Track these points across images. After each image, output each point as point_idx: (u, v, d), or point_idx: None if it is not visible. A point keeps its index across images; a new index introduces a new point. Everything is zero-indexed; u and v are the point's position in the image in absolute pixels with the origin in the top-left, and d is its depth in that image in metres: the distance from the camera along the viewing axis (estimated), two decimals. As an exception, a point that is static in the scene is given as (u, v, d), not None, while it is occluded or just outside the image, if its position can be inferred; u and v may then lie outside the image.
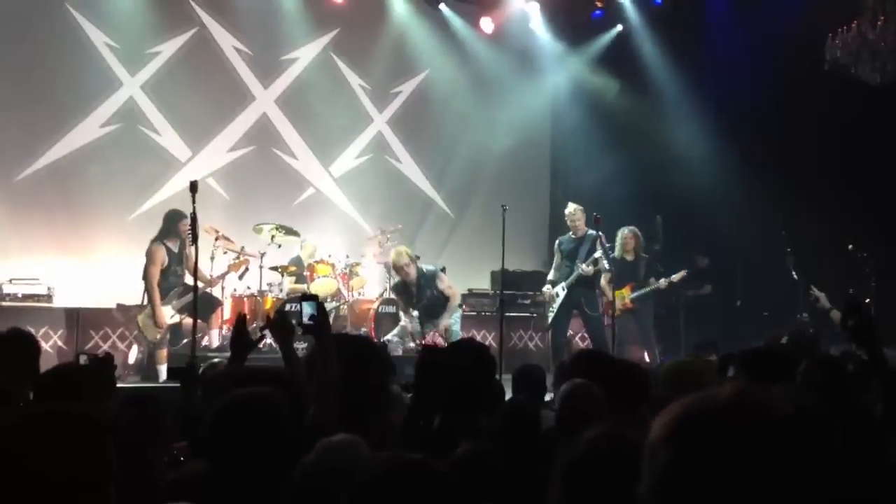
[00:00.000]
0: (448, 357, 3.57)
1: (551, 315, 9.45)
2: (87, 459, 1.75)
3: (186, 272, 8.65)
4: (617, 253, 9.36)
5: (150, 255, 8.49)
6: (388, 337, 9.14)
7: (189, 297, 8.14)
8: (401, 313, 9.49)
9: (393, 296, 9.71)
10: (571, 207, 9.52)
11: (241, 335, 3.79)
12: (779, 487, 1.17)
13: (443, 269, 9.41)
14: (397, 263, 9.07)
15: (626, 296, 9.41)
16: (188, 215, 8.26)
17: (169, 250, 8.54)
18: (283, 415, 2.54)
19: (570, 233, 9.46)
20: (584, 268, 9.13)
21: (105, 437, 1.80)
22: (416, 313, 9.16)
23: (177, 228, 8.50)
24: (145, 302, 8.55)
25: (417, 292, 9.08)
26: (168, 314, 8.51)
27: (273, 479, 2.42)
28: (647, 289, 9.44)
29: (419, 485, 1.87)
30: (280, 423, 2.51)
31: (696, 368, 4.22)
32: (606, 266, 9.09)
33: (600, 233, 8.98)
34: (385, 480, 1.90)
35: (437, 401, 3.27)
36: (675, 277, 9.43)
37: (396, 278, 9.37)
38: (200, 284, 8.43)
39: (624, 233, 9.50)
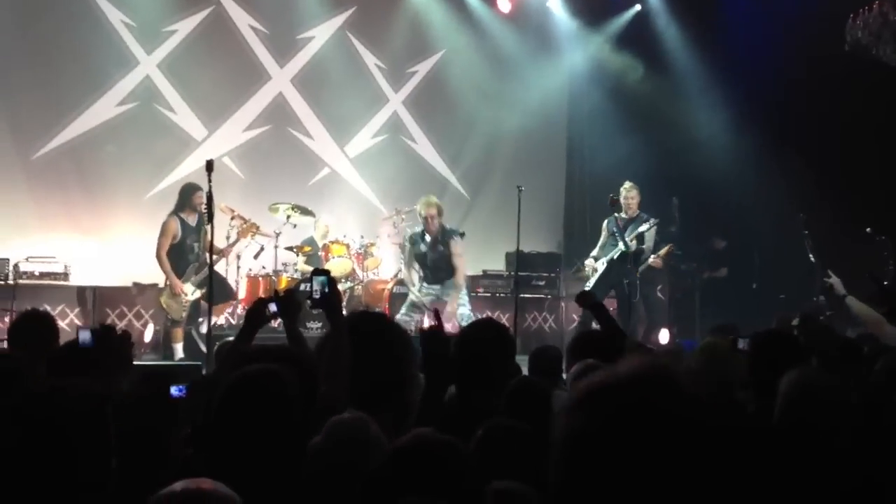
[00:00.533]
0: (469, 334, 3.57)
1: (587, 289, 9.02)
2: (85, 433, 1.76)
3: (203, 248, 8.62)
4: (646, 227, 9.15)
5: (162, 227, 8.59)
6: (398, 317, 9.04)
7: (204, 273, 8.34)
8: (409, 286, 9.26)
9: (402, 253, 9.51)
10: (628, 185, 9.35)
11: (258, 308, 3.80)
12: (674, 463, 1.14)
13: (462, 234, 9.19)
14: (426, 212, 8.87)
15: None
16: (202, 188, 8.40)
17: (183, 223, 8.57)
18: (291, 392, 2.53)
19: (621, 212, 9.24)
20: (629, 242, 8.92)
21: (105, 412, 1.80)
22: (419, 274, 9.11)
23: (191, 201, 8.56)
24: (163, 284, 8.62)
25: (431, 245, 8.91)
26: (189, 290, 8.55)
27: (282, 458, 2.41)
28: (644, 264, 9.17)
29: (438, 462, 1.87)
30: (288, 400, 2.50)
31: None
32: (622, 246, 8.99)
33: (616, 214, 8.91)
34: (404, 458, 1.91)
35: (447, 379, 3.26)
36: (662, 252, 9.22)
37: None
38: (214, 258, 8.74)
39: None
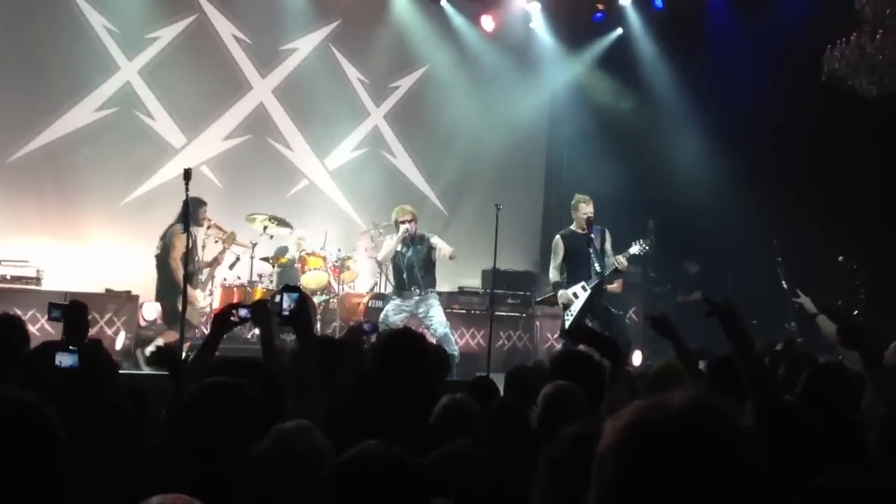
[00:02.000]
0: (385, 343, 3.54)
1: (569, 320, 8.47)
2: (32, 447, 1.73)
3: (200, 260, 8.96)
4: (575, 227, 8.72)
5: (175, 234, 8.50)
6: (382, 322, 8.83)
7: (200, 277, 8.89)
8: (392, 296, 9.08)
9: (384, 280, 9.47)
10: (583, 196, 8.80)
11: (223, 314, 3.81)
12: (729, 500, 1.13)
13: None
14: (402, 217, 8.85)
15: None
16: (206, 202, 8.77)
17: (188, 235, 8.50)
18: (251, 406, 2.53)
19: (574, 227, 8.70)
20: (623, 262, 8.49)
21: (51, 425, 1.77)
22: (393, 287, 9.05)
23: (197, 214, 8.54)
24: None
25: (413, 245, 8.85)
26: (201, 297, 8.92)
27: (241, 470, 2.41)
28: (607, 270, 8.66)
29: (382, 475, 1.89)
30: (248, 413, 2.51)
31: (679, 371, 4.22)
32: (598, 268, 8.92)
33: (592, 234, 8.69)
34: (348, 471, 1.92)
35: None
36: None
37: (389, 270, 9.24)
38: (207, 270, 9.12)
39: (578, 200, 8.79)
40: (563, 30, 12.68)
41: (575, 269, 8.57)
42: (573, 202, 8.83)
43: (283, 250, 10.05)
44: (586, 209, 8.61)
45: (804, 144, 10.30)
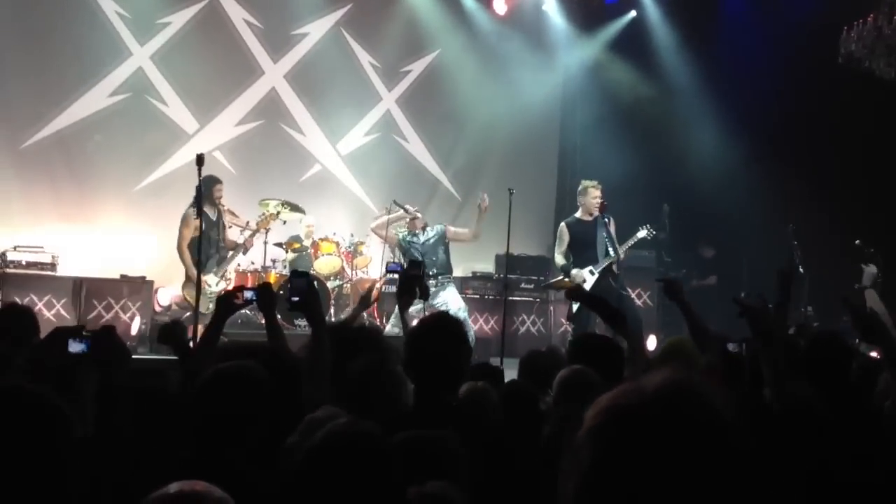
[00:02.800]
0: (420, 329, 3.52)
1: (577, 304, 8.33)
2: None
3: (223, 241, 8.73)
4: (581, 215, 8.66)
5: (184, 219, 8.41)
6: (388, 329, 8.59)
7: (228, 262, 8.59)
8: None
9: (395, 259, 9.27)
10: (589, 182, 8.77)
11: (228, 296, 3.82)
12: (705, 485, 1.10)
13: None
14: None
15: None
16: (221, 180, 8.59)
17: (204, 215, 8.13)
18: (265, 390, 2.54)
19: (580, 215, 8.70)
20: (621, 255, 8.47)
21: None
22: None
23: (211, 193, 8.41)
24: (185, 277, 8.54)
25: (420, 233, 8.80)
26: (213, 282, 8.51)
27: (257, 455, 2.41)
28: (607, 261, 8.52)
29: (351, 452, 1.88)
30: (262, 397, 2.51)
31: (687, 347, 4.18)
32: (612, 253, 8.89)
33: (606, 219, 8.67)
34: (322, 447, 1.93)
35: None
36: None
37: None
38: (230, 252, 8.77)
39: (586, 186, 8.72)
40: (575, 12, 12.59)
41: (580, 255, 8.57)
42: (581, 188, 8.78)
43: (296, 237, 10.05)
44: (596, 194, 8.58)
45: (820, 127, 10.23)
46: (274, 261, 9.86)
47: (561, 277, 8.76)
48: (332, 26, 11.70)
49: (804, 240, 8.73)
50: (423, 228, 8.88)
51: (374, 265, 10.52)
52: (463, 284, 10.75)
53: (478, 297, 10.79)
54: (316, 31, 11.63)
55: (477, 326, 10.40)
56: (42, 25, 10.01)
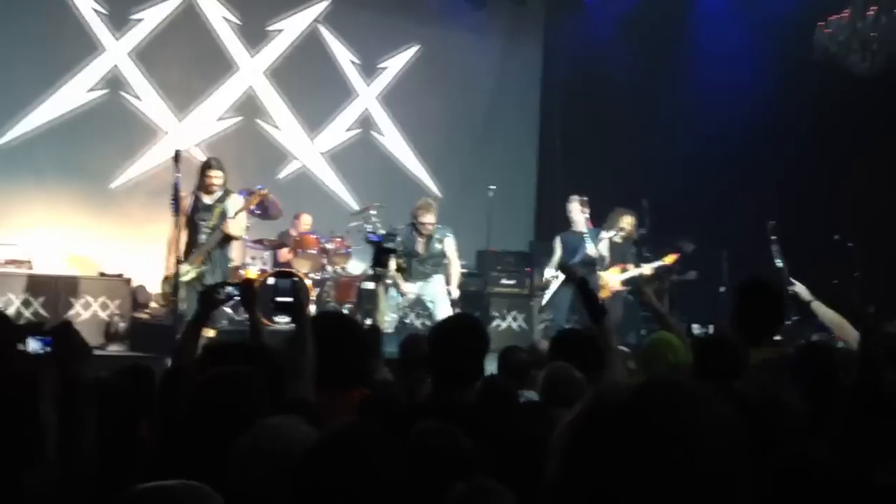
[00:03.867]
0: (443, 327, 3.55)
1: (546, 296, 9.00)
2: None
3: (214, 230, 7.87)
4: (613, 234, 8.90)
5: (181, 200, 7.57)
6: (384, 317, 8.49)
7: (201, 250, 7.72)
8: (398, 283, 8.57)
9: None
10: (574, 196, 9.08)
11: (210, 291, 3.82)
12: (679, 483, 1.09)
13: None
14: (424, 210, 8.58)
15: (616, 276, 8.92)
16: (220, 166, 7.93)
17: (196, 199, 7.82)
18: (258, 395, 2.52)
19: (574, 226, 9.01)
20: (589, 253, 8.75)
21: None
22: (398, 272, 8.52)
23: (204, 178, 7.89)
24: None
25: (427, 245, 8.60)
26: (183, 271, 7.50)
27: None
28: (635, 272, 8.89)
29: (352, 450, 1.87)
30: (255, 402, 2.50)
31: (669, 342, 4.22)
32: (591, 249, 9.01)
33: (587, 215, 8.84)
34: (322, 445, 1.90)
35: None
36: (668, 261, 8.97)
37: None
38: (214, 235, 7.82)
39: (626, 216, 9.00)
40: (554, 4, 12.60)
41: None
42: (568, 203, 9.04)
43: (282, 235, 10.03)
44: (580, 208, 8.90)
45: (798, 123, 10.30)
46: (253, 258, 9.81)
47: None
48: (310, 22, 11.66)
49: (783, 234, 8.77)
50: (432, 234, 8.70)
51: (354, 262, 10.49)
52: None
53: (458, 291, 10.76)
54: (294, 26, 11.58)
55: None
56: (15, 21, 9.89)
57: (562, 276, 8.72)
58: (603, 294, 8.66)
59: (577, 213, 8.94)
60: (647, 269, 8.91)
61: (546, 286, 9.08)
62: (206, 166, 8.03)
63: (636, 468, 1.08)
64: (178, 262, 7.19)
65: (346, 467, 1.82)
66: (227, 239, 8.01)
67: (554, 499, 1.14)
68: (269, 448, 2.20)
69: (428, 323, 8.88)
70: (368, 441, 1.90)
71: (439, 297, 8.64)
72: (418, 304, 8.85)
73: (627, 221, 8.96)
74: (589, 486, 1.11)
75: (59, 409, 2.62)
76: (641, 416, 1.11)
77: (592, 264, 8.75)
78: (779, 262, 8.27)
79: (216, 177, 7.96)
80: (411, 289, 8.56)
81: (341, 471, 1.83)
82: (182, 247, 7.50)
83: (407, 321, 9.15)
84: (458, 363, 3.29)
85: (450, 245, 8.74)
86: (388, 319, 8.29)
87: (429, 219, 8.55)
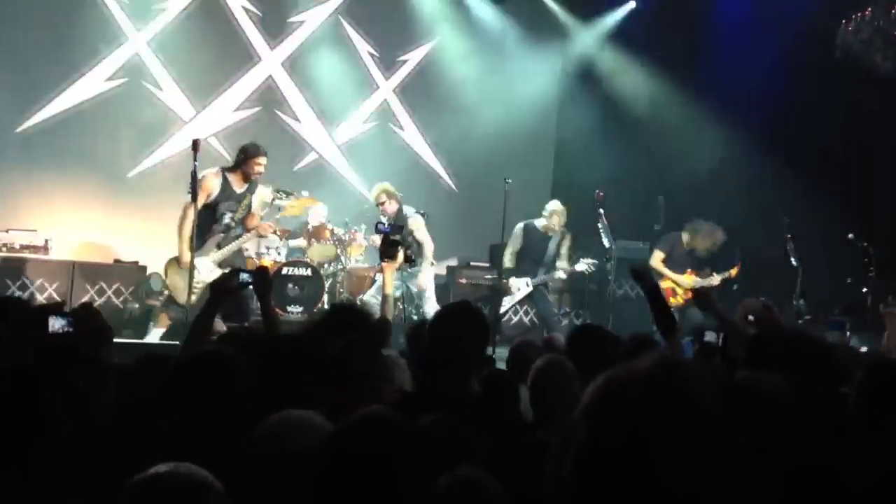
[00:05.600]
0: (444, 316, 3.55)
1: (504, 307, 9.18)
2: None
3: (240, 224, 7.57)
4: (690, 241, 9.01)
5: (201, 180, 7.07)
6: (366, 297, 8.73)
7: (231, 248, 7.50)
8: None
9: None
10: (560, 207, 9.18)
11: (223, 280, 3.82)
12: (698, 460, 1.12)
13: (422, 213, 8.93)
14: (376, 200, 8.71)
15: (688, 284, 8.82)
16: (266, 155, 7.43)
17: (226, 183, 7.31)
18: (238, 377, 2.50)
19: (539, 226, 9.14)
20: (563, 275, 9.09)
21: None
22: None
23: (248, 165, 7.37)
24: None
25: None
26: (206, 268, 7.18)
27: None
28: (706, 282, 8.76)
29: (379, 443, 1.86)
30: (233, 384, 2.47)
31: None
32: (607, 243, 9.01)
33: (601, 210, 8.85)
34: (343, 435, 1.89)
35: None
36: (733, 272, 8.87)
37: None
38: (245, 236, 7.68)
39: (715, 232, 9.01)
40: (574, 2, 12.54)
41: (524, 262, 9.10)
42: (550, 210, 9.14)
43: (297, 223, 10.05)
44: (559, 221, 9.06)
45: (818, 120, 10.21)
46: (268, 248, 9.84)
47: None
48: (330, 14, 11.67)
49: (799, 233, 8.71)
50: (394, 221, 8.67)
51: (369, 253, 10.50)
52: (457, 273, 10.77)
53: (471, 284, 10.78)
54: (314, 18, 11.60)
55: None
56: (39, 9, 9.98)
57: (524, 292, 8.81)
58: (676, 301, 8.64)
59: (557, 218, 9.03)
60: (716, 279, 8.89)
61: (507, 292, 9.04)
62: (254, 152, 7.42)
63: (661, 438, 1.13)
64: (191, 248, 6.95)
65: (366, 456, 1.82)
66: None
67: (580, 474, 1.17)
68: (288, 438, 2.19)
69: (415, 316, 8.86)
70: (387, 429, 1.89)
71: (425, 288, 8.66)
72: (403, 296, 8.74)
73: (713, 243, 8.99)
74: (616, 457, 1.14)
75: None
76: (659, 389, 1.16)
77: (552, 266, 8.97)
78: (793, 261, 8.22)
79: (263, 165, 7.42)
80: (423, 281, 8.59)
81: (361, 459, 1.82)
82: (193, 228, 6.97)
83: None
84: (458, 351, 3.28)
85: (417, 226, 8.69)
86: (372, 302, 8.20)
87: (391, 207, 8.62)
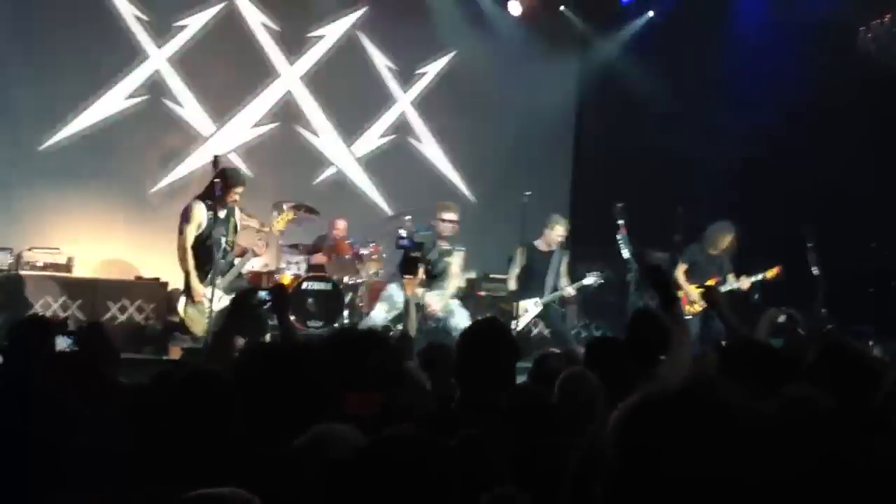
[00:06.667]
0: (473, 332, 3.56)
1: (515, 329, 8.82)
2: None
3: (232, 248, 7.54)
4: (707, 247, 8.97)
5: (185, 212, 7.26)
6: (374, 314, 8.60)
7: (232, 274, 7.43)
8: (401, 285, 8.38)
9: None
10: (561, 218, 9.23)
11: (242, 297, 3.83)
12: (730, 472, 1.16)
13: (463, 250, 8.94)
14: (451, 213, 8.59)
15: (693, 291, 8.69)
16: (243, 181, 7.42)
17: (213, 212, 7.26)
18: (224, 395, 2.47)
19: (539, 244, 9.14)
20: (571, 291, 9.06)
21: None
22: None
23: (228, 193, 7.32)
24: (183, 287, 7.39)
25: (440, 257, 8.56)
26: (216, 296, 7.02)
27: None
28: (727, 287, 8.63)
29: (412, 461, 1.84)
30: (223, 404, 2.45)
31: None
32: (626, 255, 9.01)
33: (620, 221, 8.83)
34: (374, 454, 1.88)
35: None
36: (769, 274, 8.74)
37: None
38: (238, 260, 7.61)
39: (723, 229, 8.95)
40: (592, 13, 12.54)
41: (528, 283, 9.06)
42: (550, 221, 9.18)
43: (322, 237, 10.08)
44: (561, 231, 9.09)
45: (839, 127, 10.11)
46: (288, 262, 9.87)
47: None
48: (347, 28, 11.75)
49: (821, 241, 8.62)
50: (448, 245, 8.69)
51: (388, 267, 10.50)
52: (476, 285, 10.76)
53: (491, 296, 10.76)
54: (332, 33, 11.68)
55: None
56: (59, 27, 10.10)
57: (533, 312, 8.94)
58: (693, 308, 8.59)
59: (557, 235, 9.06)
60: (745, 282, 8.79)
61: (515, 315, 8.93)
62: (235, 181, 7.43)
63: (695, 453, 1.18)
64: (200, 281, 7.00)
65: (398, 472, 1.82)
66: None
67: (617, 489, 1.22)
68: (326, 453, 2.19)
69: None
70: (420, 446, 1.89)
71: (430, 305, 8.50)
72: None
73: (725, 240, 8.96)
74: (652, 472, 1.19)
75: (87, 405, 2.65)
76: (684, 413, 1.21)
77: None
78: (814, 269, 8.15)
79: (240, 194, 7.46)
80: (434, 303, 8.47)
81: (392, 475, 1.82)
82: (195, 261, 7.13)
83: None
84: (487, 369, 3.30)
85: (456, 261, 8.73)
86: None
87: (450, 216, 8.56)
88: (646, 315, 4.41)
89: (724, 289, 8.46)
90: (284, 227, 8.43)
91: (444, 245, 8.64)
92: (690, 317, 8.28)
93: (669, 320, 4.01)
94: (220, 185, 7.20)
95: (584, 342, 7.57)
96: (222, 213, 7.40)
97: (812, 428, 2.64)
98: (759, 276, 8.76)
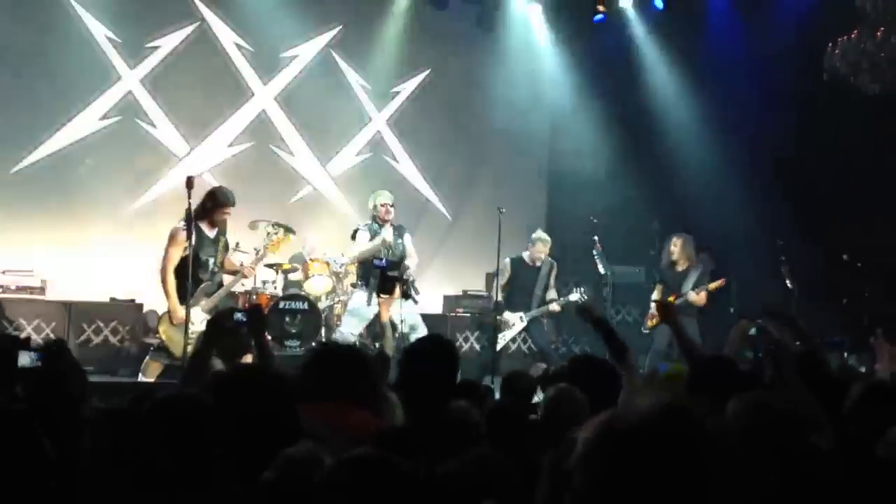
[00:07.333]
0: (415, 350, 3.58)
1: (501, 343, 9.03)
2: None
3: (221, 267, 7.43)
4: (662, 263, 9.09)
5: (172, 236, 7.07)
6: (343, 331, 8.36)
7: (219, 295, 7.31)
8: (358, 290, 8.39)
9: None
10: (544, 236, 9.28)
11: (218, 318, 3.82)
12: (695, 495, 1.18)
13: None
14: (387, 201, 8.43)
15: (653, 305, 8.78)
16: (232, 202, 7.29)
17: (198, 230, 7.11)
18: (208, 419, 2.46)
19: (526, 257, 9.19)
20: (556, 308, 9.07)
21: None
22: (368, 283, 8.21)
23: (215, 213, 7.24)
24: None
25: (393, 241, 8.37)
26: (197, 318, 6.94)
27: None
28: (680, 300, 8.67)
29: (376, 483, 1.85)
30: (205, 427, 2.44)
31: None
32: (602, 269, 9.13)
33: (595, 237, 8.97)
34: (343, 476, 1.89)
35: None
36: (712, 286, 8.78)
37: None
38: (229, 278, 7.49)
39: (674, 240, 9.00)
40: (564, 31, 12.65)
41: (515, 296, 9.13)
42: (533, 238, 9.27)
43: (298, 257, 10.06)
44: (544, 249, 9.17)
45: (807, 142, 10.27)
46: (265, 282, 9.84)
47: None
48: (321, 48, 11.76)
49: (791, 255, 8.74)
50: (398, 230, 8.57)
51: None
52: (454, 303, 10.77)
53: (469, 315, 10.78)
54: (306, 53, 11.69)
55: (468, 345, 10.44)
56: (31, 48, 10.03)
57: (519, 327, 8.99)
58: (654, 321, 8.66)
59: (538, 252, 9.12)
60: (692, 295, 8.79)
61: (501, 327, 8.95)
62: (223, 200, 7.32)
63: (661, 477, 1.20)
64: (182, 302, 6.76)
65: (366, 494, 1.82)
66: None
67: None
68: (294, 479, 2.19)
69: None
70: (385, 469, 1.90)
71: (417, 319, 8.37)
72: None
73: (674, 253, 9.04)
74: (619, 495, 1.21)
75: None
76: (649, 439, 1.23)
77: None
78: (788, 283, 8.24)
79: (229, 214, 7.38)
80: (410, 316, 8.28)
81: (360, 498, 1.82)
82: (178, 282, 6.96)
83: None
84: (429, 386, 3.31)
85: (408, 238, 8.62)
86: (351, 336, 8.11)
87: (384, 200, 8.43)
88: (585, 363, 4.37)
89: (678, 302, 8.52)
90: (279, 251, 8.25)
91: (389, 228, 8.45)
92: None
93: (625, 373, 3.98)
94: (208, 204, 7.15)
95: (568, 359, 7.61)
96: (211, 234, 7.34)
97: (773, 439, 2.68)
98: (703, 288, 8.78)
